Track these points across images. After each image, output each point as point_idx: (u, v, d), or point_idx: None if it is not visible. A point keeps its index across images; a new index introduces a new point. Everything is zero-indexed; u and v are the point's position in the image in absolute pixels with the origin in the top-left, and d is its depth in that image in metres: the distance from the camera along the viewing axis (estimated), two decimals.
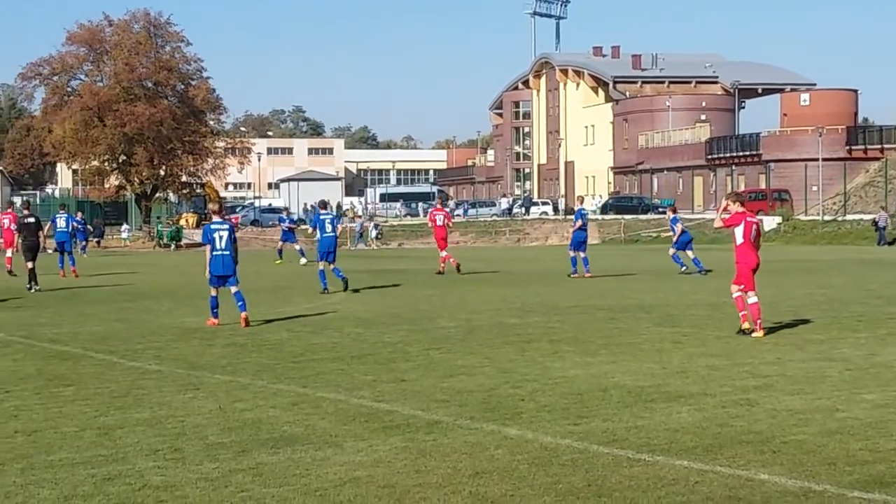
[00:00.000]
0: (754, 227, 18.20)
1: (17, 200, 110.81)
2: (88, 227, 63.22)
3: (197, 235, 76.43)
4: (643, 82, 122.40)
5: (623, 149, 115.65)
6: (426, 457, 9.48)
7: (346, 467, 9.13)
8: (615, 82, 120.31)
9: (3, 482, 8.71)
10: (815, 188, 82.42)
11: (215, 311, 20.41)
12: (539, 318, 21.07)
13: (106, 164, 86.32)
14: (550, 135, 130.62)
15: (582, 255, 34.15)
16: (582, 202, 39.09)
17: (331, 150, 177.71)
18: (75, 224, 43.34)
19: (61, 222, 38.45)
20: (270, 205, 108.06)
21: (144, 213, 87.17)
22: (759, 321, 17.92)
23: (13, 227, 34.85)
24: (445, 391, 12.77)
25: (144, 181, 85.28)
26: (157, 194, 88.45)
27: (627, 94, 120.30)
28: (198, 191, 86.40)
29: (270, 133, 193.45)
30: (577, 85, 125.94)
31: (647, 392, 12.58)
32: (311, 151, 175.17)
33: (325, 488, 8.51)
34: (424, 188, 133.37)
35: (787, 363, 14.76)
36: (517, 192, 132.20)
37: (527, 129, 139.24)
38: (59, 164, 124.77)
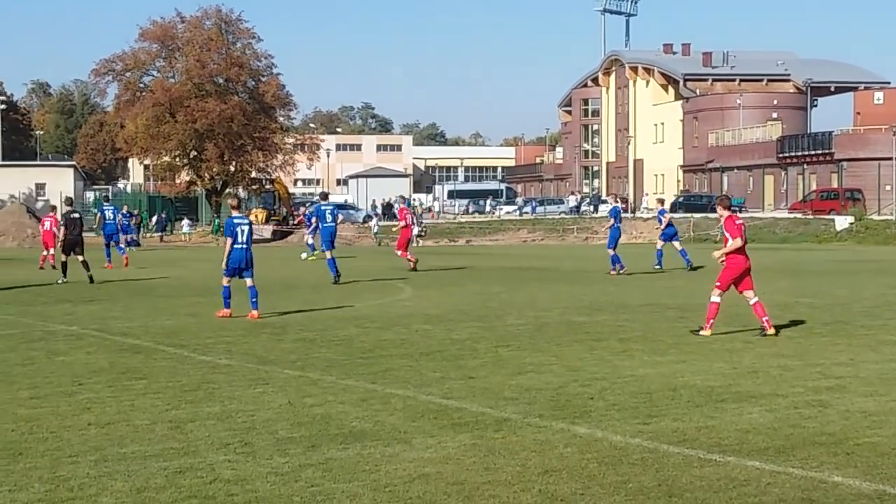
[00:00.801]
0: (744, 228, 18.19)
1: (91, 195, 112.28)
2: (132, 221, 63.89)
3: (266, 231, 77.06)
4: (714, 80, 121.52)
5: (693, 147, 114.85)
6: (495, 454, 9.46)
7: (415, 464, 9.14)
8: (685, 80, 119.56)
9: (77, 473, 8.80)
10: (888, 188, 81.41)
11: (228, 300, 21.18)
12: (608, 317, 20.97)
13: (177, 159, 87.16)
14: (619, 132, 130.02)
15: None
16: (617, 199, 39.32)
17: (399, 147, 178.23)
18: (121, 217, 44.23)
19: (109, 214, 39.69)
20: (346, 201, 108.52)
21: (214, 208, 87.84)
22: (765, 318, 17.81)
23: (54, 229, 36.01)
24: (514, 388, 12.74)
25: (214, 177, 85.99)
26: (227, 190, 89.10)
27: (698, 91, 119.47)
28: (267, 187, 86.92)
29: (339, 129, 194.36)
30: (647, 82, 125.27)
31: (717, 392, 12.47)
32: (379, 148, 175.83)
33: (394, 484, 8.52)
34: (492, 185, 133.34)
35: (860, 364, 14.58)
36: (585, 189, 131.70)
37: (596, 127, 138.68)
38: (130, 160, 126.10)
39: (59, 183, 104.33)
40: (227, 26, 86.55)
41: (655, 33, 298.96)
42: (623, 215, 36.74)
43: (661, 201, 44.39)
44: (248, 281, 21.03)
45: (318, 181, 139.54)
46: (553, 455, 9.43)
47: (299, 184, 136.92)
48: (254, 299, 20.92)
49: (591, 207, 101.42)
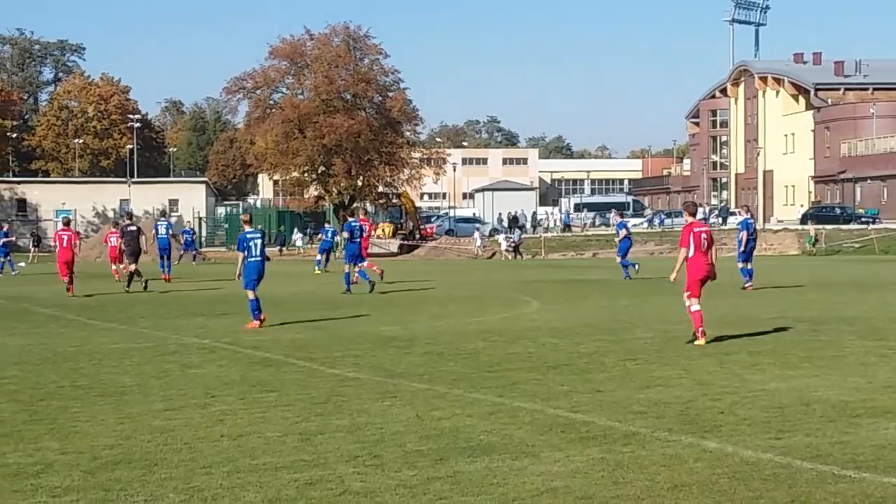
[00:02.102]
0: (703, 236, 18.53)
1: (221, 211, 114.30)
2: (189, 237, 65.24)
3: (393, 245, 77.64)
4: (846, 89, 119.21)
5: (824, 157, 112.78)
6: (623, 468, 9.40)
7: (544, 477, 9.11)
8: (816, 89, 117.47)
9: (210, 484, 8.96)
10: None
11: (256, 313, 22.12)
12: (737, 330, 20.67)
13: (305, 174, 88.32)
14: (748, 143, 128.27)
15: (747, 265, 33.35)
16: (747, 211, 38.94)
17: (525, 160, 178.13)
18: (180, 234, 45.97)
19: (162, 230, 41.92)
20: (473, 215, 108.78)
21: (342, 222, 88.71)
22: (700, 329, 18.29)
23: (120, 243, 37.61)
24: (642, 402, 12.64)
25: (342, 191, 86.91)
26: (355, 204, 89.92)
27: (829, 101, 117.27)
28: (394, 201, 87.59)
29: (465, 143, 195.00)
30: (777, 92, 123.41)
31: (851, 407, 12.21)
32: (505, 161, 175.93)
33: (522, 498, 8.50)
34: (619, 198, 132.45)
35: None
36: (714, 201, 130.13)
37: (724, 138, 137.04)
38: (260, 175, 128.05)
39: (192, 199, 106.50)
40: (355, 43, 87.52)
41: (785, 43, 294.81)
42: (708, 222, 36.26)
43: (621, 214, 45.18)
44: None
45: (444, 195, 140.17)
46: (683, 470, 9.33)
47: (426, 198, 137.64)
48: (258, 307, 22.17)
49: (720, 219, 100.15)
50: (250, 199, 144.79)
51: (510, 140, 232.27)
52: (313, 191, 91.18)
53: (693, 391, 13.43)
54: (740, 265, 33.45)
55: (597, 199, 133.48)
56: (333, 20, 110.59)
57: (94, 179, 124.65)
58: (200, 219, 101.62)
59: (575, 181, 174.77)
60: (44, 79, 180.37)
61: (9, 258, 50.99)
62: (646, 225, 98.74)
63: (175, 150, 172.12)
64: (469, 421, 11.60)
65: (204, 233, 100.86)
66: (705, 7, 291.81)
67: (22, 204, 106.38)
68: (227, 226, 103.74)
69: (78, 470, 9.48)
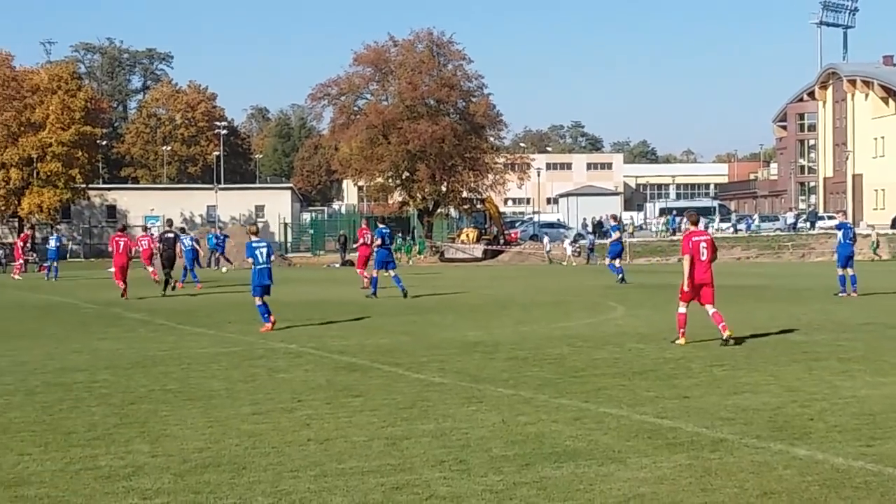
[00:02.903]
0: (702, 244, 19.22)
1: (306, 216, 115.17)
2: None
3: (477, 251, 77.67)
4: None
5: None
6: (711, 475, 9.31)
7: (630, 483, 9.06)
8: None
9: (298, 488, 9.02)
10: None
11: (266, 316, 23.32)
12: (826, 336, 20.41)
13: (390, 180, 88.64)
14: (837, 147, 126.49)
15: (847, 271, 32.79)
16: (844, 215, 38.95)
17: (609, 165, 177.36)
18: (194, 243, 47.22)
19: (187, 242, 44.35)
20: (558, 220, 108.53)
21: (426, 228, 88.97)
22: (722, 324, 19.07)
23: (153, 246, 39.66)
24: (730, 409, 12.52)
25: (426, 197, 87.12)
26: (439, 210, 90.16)
27: None
28: (478, 206, 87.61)
29: (549, 148, 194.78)
30: (866, 95, 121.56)
31: None
32: (589, 166, 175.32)
33: None
34: (705, 202, 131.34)
35: None
36: (802, 206, 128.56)
37: (812, 142, 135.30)
38: (345, 181, 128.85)
39: (277, 205, 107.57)
40: (439, 49, 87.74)
41: (874, 45, 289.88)
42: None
43: (615, 217, 47.63)
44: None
45: (528, 200, 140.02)
46: (772, 477, 9.23)
47: (510, 203, 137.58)
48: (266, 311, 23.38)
49: (808, 224, 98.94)
50: (335, 205, 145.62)
51: (594, 145, 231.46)
52: (397, 196, 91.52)
53: (781, 397, 13.28)
54: (839, 272, 32.80)
55: (682, 203, 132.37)
56: (417, 26, 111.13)
57: (182, 186, 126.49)
58: (286, 224, 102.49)
59: (660, 186, 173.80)
60: (133, 87, 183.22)
61: (55, 265, 52.70)
62: (732, 230, 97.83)
63: (261, 156, 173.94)
64: (555, 426, 11.57)
65: (290, 238, 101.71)
66: (792, 10, 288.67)
67: (111, 210, 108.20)
68: (312, 231, 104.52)
69: (168, 473, 9.61)
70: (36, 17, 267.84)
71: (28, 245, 63.08)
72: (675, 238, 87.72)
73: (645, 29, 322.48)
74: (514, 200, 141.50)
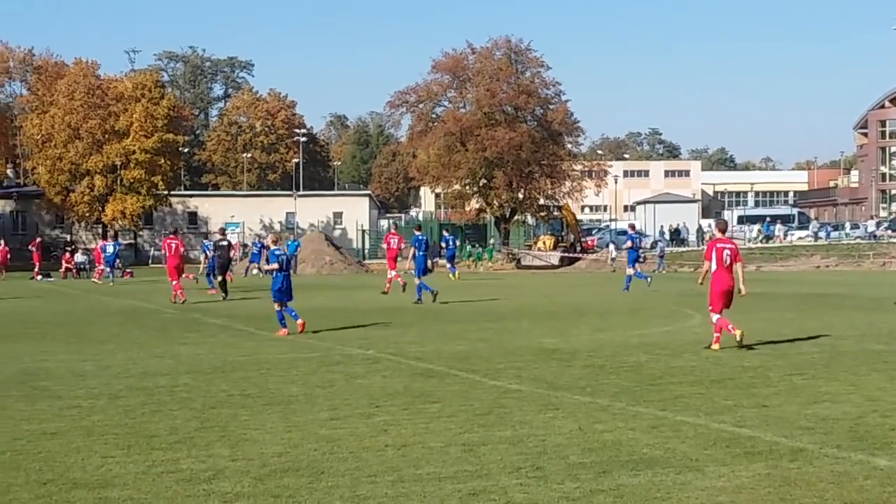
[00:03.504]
0: (726, 252, 19.77)
1: (384, 223, 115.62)
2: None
3: (554, 258, 77.51)
4: None
5: None
6: (790, 485, 9.25)
7: (708, 492, 9.03)
8: None
9: (375, 493, 9.10)
10: None
11: (283, 322, 23.95)
12: None
13: (467, 187, 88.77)
14: None
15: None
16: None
17: (687, 173, 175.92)
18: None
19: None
20: (633, 226, 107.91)
21: (503, 235, 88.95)
22: (717, 336, 19.72)
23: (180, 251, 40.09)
24: (809, 418, 12.42)
25: (503, 204, 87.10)
26: (516, 217, 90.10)
27: None
28: (555, 213, 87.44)
29: (627, 156, 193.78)
30: None
31: None
32: (667, 174, 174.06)
33: None
34: (784, 210, 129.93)
35: None
36: (883, 213, 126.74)
37: (893, 149, 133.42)
38: (422, 188, 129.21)
39: (355, 211, 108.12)
40: (517, 56, 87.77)
41: None
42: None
43: (632, 226, 48.53)
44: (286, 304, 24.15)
45: (605, 207, 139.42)
46: (852, 487, 9.15)
47: (586, 210, 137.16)
48: (293, 312, 24.07)
49: (889, 232, 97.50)
50: (412, 212, 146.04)
51: (672, 152, 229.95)
52: (475, 203, 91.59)
53: (862, 407, 13.15)
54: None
55: (760, 211, 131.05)
56: (495, 34, 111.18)
57: (262, 193, 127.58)
58: (364, 231, 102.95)
59: (738, 193, 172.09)
60: (214, 95, 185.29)
61: (113, 269, 54.01)
62: (811, 238, 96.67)
63: (339, 163, 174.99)
64: (632, 434, 11.55)
65: (367, 245, 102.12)
66: (874, 16, 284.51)
67: (193, 216, 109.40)
68: (425, 238, 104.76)
69: (248, 476, 9.73)
70: (121, 26, 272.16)
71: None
72: (768, 246, 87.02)
73: (724, 36, 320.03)
74: (591, 208, 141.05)
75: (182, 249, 38.57)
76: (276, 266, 24.06)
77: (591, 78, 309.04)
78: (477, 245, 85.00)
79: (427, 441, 11.29)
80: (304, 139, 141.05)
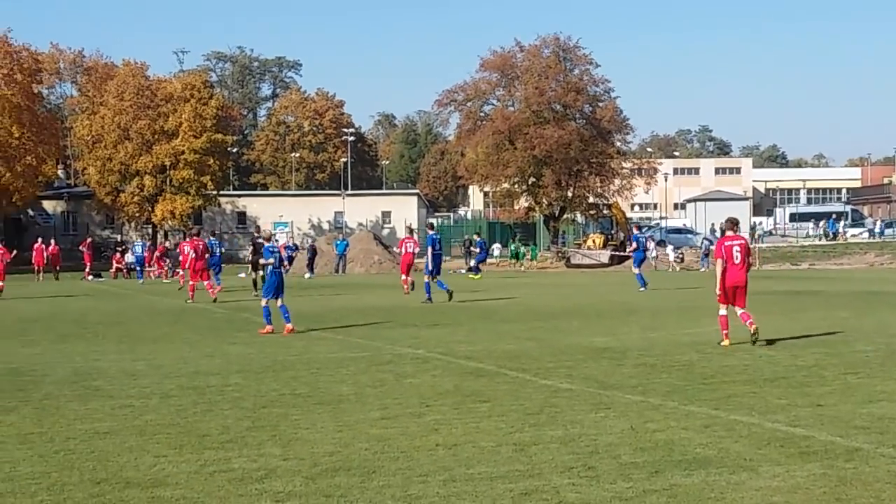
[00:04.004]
0: (735, 249, 20.23)
1: (434, 222, 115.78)
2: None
3: (604, 256, 77.26)
4: None
5: None
6: (846, 485, 9.13)
7: (763, 493, 8.93)
8: None
9: (427, 493, 9.07)
10: None
11: (269, 318, 24.20)
12: None
13: (516, 185, 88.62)
14: None
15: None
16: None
17: (738, 170, 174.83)
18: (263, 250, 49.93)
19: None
20: (684, 225, 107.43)
21: (552, 233, 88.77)
22: (750, 323, 19.94)
23: (192, 254, 40.38)
24: (865, 417, 12.27)
25: (552, 202, 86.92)
26: (565, 215, 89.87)
27: None
28: (604, 212, 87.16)
29: (677, 153, 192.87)
30: None
31: None
32: (717, 171, 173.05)
33: None
34: (836, 207, 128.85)
35: None
36: None
37: None
38: (471, 187, 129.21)
39: (404, 210, 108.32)
40: (565, 53, 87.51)
41: None
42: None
43: (639, 227, 48.84)
44: (279, 301, 24.18)
45: (655, 205, 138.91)
46: None
47: (636, 208, 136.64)
48: (286, 315, 24.01)
49: None
50: (461, 211, 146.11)
51: (722, 149, 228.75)
52: (523, 202, 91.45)
53: None
54: (635, 271, 38.52)
55: (813, 208, 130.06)
56: (543, 31, 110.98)
57: (310, 192, 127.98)
58: (412, 230, 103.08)
59: (790, 190, 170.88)
60: (262, 95, 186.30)
61: (140, 269, 54.72)
62: (866, 235, 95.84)
63: (387, 162, 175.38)
64: (684, 434, 11.46)
65: None
66: None
67: (242, 216, 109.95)
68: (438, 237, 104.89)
69: (299, 476, 9.73)
70: (170, 27, 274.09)
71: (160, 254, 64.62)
72: (822, 244, 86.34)
73: (774, 30, 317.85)
74: (640, 206, 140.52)
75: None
76: (272, 261, 24.38)
77: (640, 75, 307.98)
78: (520, 244, 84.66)
79: (478, 440, 11.25)
80: (352, 138, 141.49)
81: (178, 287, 45.78)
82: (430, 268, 35.17)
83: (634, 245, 44.55)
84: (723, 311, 20.24)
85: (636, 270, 42.68)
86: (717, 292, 20.29)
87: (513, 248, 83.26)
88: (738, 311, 20.17)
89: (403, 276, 39.36)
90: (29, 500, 9.03)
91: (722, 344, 19.93)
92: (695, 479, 9.43)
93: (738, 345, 20.12)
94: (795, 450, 10.57)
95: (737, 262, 20.15)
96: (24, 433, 11.99)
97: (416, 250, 40.05)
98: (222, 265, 47.20)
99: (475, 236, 63.80)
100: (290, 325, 23.92)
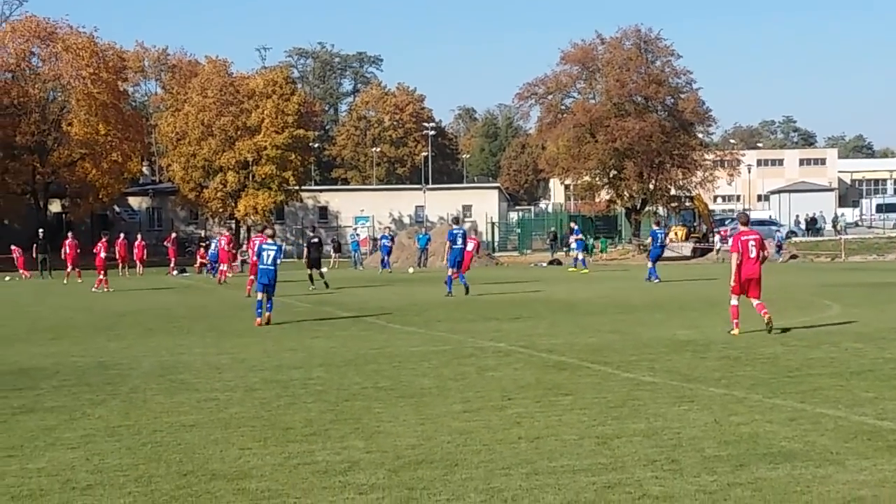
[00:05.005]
0: (751, 243, 21.04)
1: (514, 216, 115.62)
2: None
3: (686, 249, 76.69)
4: None
5: None
6: None
7: (849, 486, 8.83)
8: None
9: (510, 486, 9.07)
10: None
11: (259, 311, 25.37)
12: None
13: (597, 178, 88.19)
14: None
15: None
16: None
17: (823, 161, 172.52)
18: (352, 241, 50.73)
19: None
20: (769, 217, 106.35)
21: (634, 226, 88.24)
22: (764, 312, 20.68)
23: (226, 247, 43.87)
24: None
25: (634, 195, 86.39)
26: (647, 208, 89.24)
27: None
28: (686, 204, 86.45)
29: (760, 144, 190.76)
30: None
31: None
32: (801, 162, 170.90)
33: None
34: None
35: None
36: None
37: None
38: (552, 180, 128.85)
39: (484, 204, 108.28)
40: (646, 45, 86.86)
41: None
42: None
43: (658, 223, 48.41)
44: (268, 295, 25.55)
45: (738, 197, 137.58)
46: None
47: (719, 200, 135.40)
48: (269, 304, 25.50)
49: None
50: (542, 204, 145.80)
51: (807, 140, 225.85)
52: (605, 195, 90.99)
53: None
54: (649, 265, 39.83)
55: None
56: (625, 23, 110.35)
57: (391, 187, 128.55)
58: (493, 224, 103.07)
59: (876, 181, 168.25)
60: (343, 90, 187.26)
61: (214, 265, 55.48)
62: None
63: (468, 156, 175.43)
64: (769, 427, 11.35)
65: (497, 238, 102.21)
66: None
67: (323, 211, 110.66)
68: (519, 230, 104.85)
69: (383, 468, 9.78)
70: (252, 24, 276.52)
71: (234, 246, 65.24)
72: (893, 236, 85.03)
73: (858, 19, 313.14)
74: (723, 198, 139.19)
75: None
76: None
77: (723, 66, 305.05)
78: (588, 236, 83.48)
79: (560, 433, 11.22)
80: (432, 133, 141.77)
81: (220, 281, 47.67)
82: (452, 262, 35.83)
83: (650, 240, 44.87)
84: (734, 301, 20.99)
85: (650, 265, 43.33)
86: (731, 283, 21.04)
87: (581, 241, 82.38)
88: (754, 301, 20.91)
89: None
90: (118, 491, 9.17)
91: (732, 332, 20.59)
92: (780, 472, 9.34)
93: (824, 337, 19.89)
94: (883, 443, 10.43)
95: (752, 255, 20.96)
96: (113, 426, 12.17)
97: (472, 246, 39.74)
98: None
99: (572, 224, 63.97)
100: (267, 314, 25.37)
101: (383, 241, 65.38)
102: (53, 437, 11.64)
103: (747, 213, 22.46)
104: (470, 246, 38.67)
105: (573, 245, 60.50)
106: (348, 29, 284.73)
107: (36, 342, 22.12)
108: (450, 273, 35.48)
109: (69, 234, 55.18)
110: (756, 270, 21.03)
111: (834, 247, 77.94)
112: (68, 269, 52.66)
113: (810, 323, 23.15)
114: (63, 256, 52.90)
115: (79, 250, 52.90)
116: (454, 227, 37.47)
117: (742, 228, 21.85)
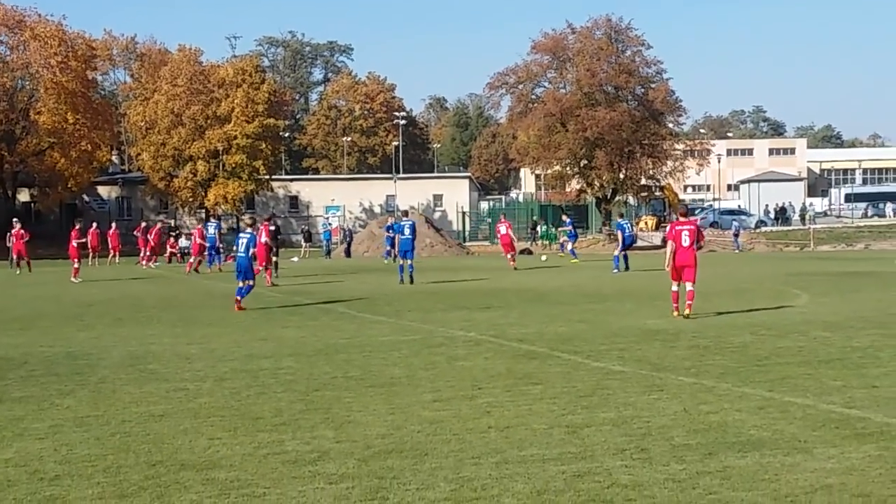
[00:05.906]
0: (684, 233, 22.55)
1: (484, 206, 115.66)
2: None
3: (657, 238, 76.91)
4: None
5: None
6: None
7: (817, 474, 8.88)
8: None
9: (479, 475, 9.08)
10: None
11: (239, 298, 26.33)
12: None
13: (567, 168, 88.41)
14: None
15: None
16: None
17: (793, 151, 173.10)
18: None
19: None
20: (739, 207, 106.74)
21: (604, 216, 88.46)
22: (688, 303, 22.15)
23: (198, 240, 45.17)
24: None
25: (604, 184, 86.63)
26: (617, 197, 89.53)
27: None
28: (657, 193, 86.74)
29: (730, 134, 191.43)
30: None
31: None
32: (771, 152, 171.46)
33: (795, 494, 8.31)
34: (893, 188, 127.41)
35: None
36: None
37: None
38: (522, 170, 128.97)
39: (455, 194, 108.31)
40: (617, 35, 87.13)
41: None
42: None
43: (621, 215, 50.08)
44: (241, 283, 26.54)
45: (708, 187, 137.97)
46: None
47: (689, 190, 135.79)
48: (245, 293, 26.47)
49: None
50: (512, 194, 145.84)
51: (776, 130, 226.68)
52: (575, 184, 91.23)
53: None
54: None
55: (869, 189, 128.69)
56: (595, 13, 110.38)
57: (362, 176, 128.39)
58: (464, 213, 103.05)
59: (845, 171, 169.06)
60: (314, 79, 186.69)
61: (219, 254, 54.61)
62: None
63: (439, 146, 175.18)
64: (738, 415, 11.40)
65: (468, 227, 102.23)
66: None
67: (294, 200, 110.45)
68: (489, 220, 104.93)
69: (352, 458, 9.77)
70: (222, 12, 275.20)
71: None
72: (876, 224, 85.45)
73: (828, 7, 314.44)
74: (693, 187, 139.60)
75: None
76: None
77: (693, 56, 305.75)
78: (549, 225, 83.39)
79: (530, 423, 11.24)
80: (403, 122, 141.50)
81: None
82: (394, 251, 39.05)
83: (619, 233, 45.31)
84: (674, 288, 22.76)
85: (616, 252, 43.94)
86: (667, 269, 22.90)
87: (542, 229, 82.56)
88: (688, 286, 22.37)
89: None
90: (86, 482, 9.13)
91: (674, 315, 22.26)
92: (749, 460, 9.39)
93: (793, 326, 20.00)
94: (851, 431, 10.49)
95: (685, 244, 22.46)
96: (81, 416, 12.11)
97: (511, 231, 47.17)
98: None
99: (564, 217, 64.53)
100: (239, 298, 26.38)
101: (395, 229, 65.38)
102: (21, 427, 11.57)
103: (686, 205, 23.90)
104: (503, 229, 46.50)
105: (563, 235, 61.35)
106: (319, 18, 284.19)
107: (4, 332, 21.97)
108: (400, 262, 37.14)
109: (15, 221, 52.84)
110: (689, 257, 22.50)
111: (803, 236, 78.36)
112: (16, 259, 50.86)
113: (779, 312, 23.26)
114: (8, 245, 51.41)
115: (26, 240, 50.72)
116: (403, 218, 38.69)
117: (680, 219, 23.52)
